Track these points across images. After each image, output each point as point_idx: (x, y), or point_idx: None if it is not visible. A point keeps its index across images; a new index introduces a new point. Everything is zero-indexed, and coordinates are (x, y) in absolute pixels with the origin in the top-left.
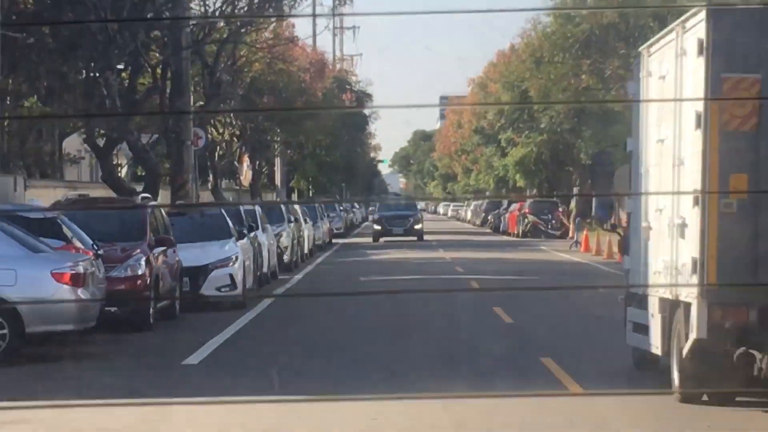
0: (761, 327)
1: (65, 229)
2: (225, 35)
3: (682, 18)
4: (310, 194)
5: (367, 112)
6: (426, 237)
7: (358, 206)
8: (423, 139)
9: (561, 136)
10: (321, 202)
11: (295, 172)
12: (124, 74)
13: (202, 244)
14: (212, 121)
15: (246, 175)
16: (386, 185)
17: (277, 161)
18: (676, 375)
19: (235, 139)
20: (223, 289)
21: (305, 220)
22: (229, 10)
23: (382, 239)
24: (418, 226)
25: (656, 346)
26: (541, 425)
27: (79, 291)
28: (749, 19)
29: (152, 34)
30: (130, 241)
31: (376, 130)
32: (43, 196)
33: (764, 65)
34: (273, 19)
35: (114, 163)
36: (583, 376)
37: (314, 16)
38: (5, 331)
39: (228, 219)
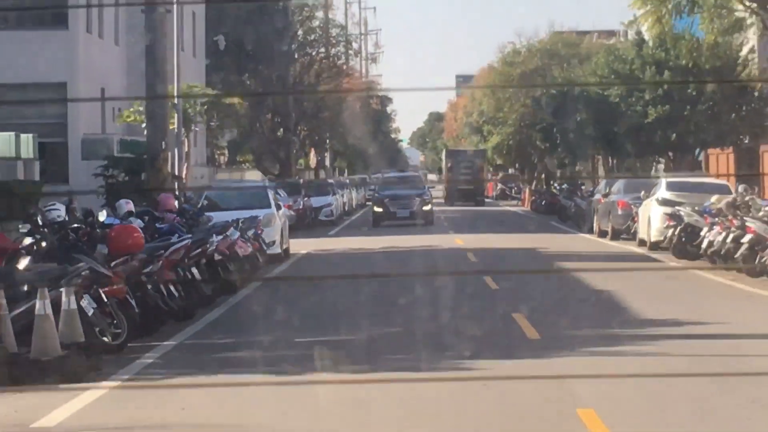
0: None
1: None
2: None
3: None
4: (346, 172)
5: (389, 110)
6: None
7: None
8: (437, 119)
9: (522, 129)
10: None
11: (338, 157)
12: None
13: (318, 196)
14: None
15: (313, 161)
16: (407, 158)
17: (327, 151)
18: None
19: (306, 139)
20: (327, 216)
21: (352, 189)
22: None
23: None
24: (426, 208)
25: None
26: None
27: (289, 211)
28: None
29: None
30: (296, 195)
31: (397, 114)
32: (222, 177)
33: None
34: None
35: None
36: None
37: (346, 46)
38: None
39: (330, 185)
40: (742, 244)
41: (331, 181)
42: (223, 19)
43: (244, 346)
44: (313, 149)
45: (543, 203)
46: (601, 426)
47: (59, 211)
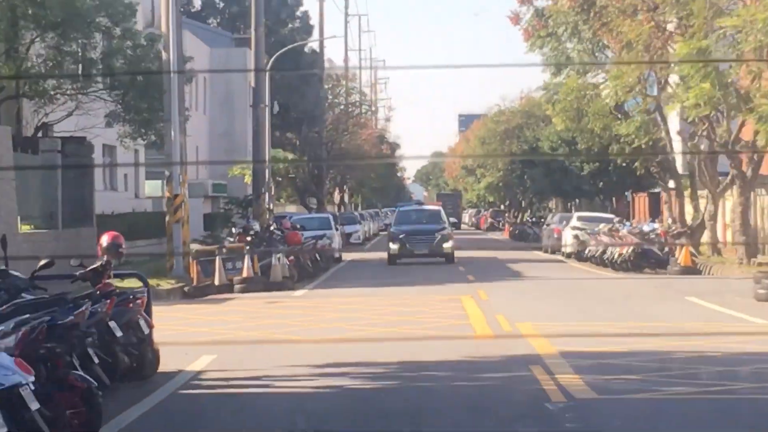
0: None
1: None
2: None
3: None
4: (360, 206)
5: (397, 154)
6: None
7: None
8: (440, 157)
9: (509, 173)
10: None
11: (354, 194)
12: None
13: (349, 224)
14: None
15: (337, 197)
16: (410, 194)
17: (346, 189)
18: None
19: (331, 180)
20: (356, 240)
21: (370, 220)
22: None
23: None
24: (447, 245)
25: None
26: None
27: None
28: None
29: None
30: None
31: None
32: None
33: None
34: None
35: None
36: None
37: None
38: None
39: (357, 216)
40: (599, 249)
41: (356, 213)
42: (276, 90)
43: (347, 285)
44: (336, 188)
45: (517, 232)
46: (485, 295)
47: (256, 227)
